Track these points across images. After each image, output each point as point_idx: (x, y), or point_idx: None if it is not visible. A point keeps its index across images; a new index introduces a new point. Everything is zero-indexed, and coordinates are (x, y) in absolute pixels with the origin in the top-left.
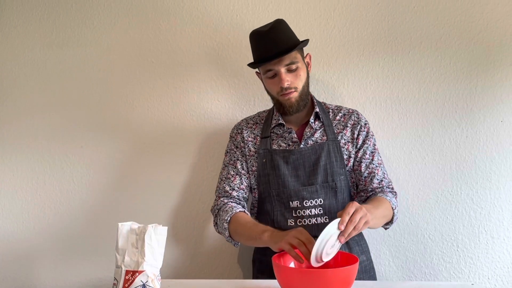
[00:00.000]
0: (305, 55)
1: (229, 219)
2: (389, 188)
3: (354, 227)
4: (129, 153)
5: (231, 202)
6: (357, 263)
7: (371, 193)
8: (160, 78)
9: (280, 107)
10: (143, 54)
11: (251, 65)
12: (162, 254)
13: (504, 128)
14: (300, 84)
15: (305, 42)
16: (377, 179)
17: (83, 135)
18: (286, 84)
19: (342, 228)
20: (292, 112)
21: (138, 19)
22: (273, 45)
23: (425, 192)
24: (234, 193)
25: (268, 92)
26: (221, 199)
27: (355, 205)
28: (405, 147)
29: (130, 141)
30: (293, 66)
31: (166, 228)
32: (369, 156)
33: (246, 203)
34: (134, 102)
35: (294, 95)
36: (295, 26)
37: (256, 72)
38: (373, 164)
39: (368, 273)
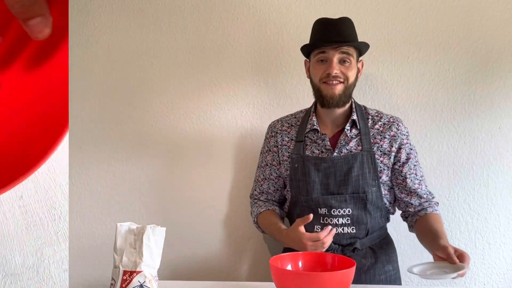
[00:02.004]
0: (359, 59)
1: (255, 219)
2: (433, 200)
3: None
4: (127, 153)
5: (259, 201)
6: (354, 267)
7: (419, 208)
8: (160, 80)
9: (320, 97)
10: (143, 56)
11: (305, 47)
12: (160, 255)
13: (501, 135)
14: (349, 77)
15: (367, 45)
16: (423, 192)
17: (82, 135)
18: (334, 72)
19: (460, 274)
20: (331, 105)
21: (139, 20)
22: (337, 32)
23: None
24: (262, 197)
25: (311, 81)
26: (253, 199)
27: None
28: None
29: (129, 141)
30: (347, 60)
31: (164, 229)
32: (413, 170)
33: (277, 202)
34: (133, 103)
35: (339, 87)
36: (295, 31)
37: (306, 60)
38: (417, 178)
39: (393, 282)
